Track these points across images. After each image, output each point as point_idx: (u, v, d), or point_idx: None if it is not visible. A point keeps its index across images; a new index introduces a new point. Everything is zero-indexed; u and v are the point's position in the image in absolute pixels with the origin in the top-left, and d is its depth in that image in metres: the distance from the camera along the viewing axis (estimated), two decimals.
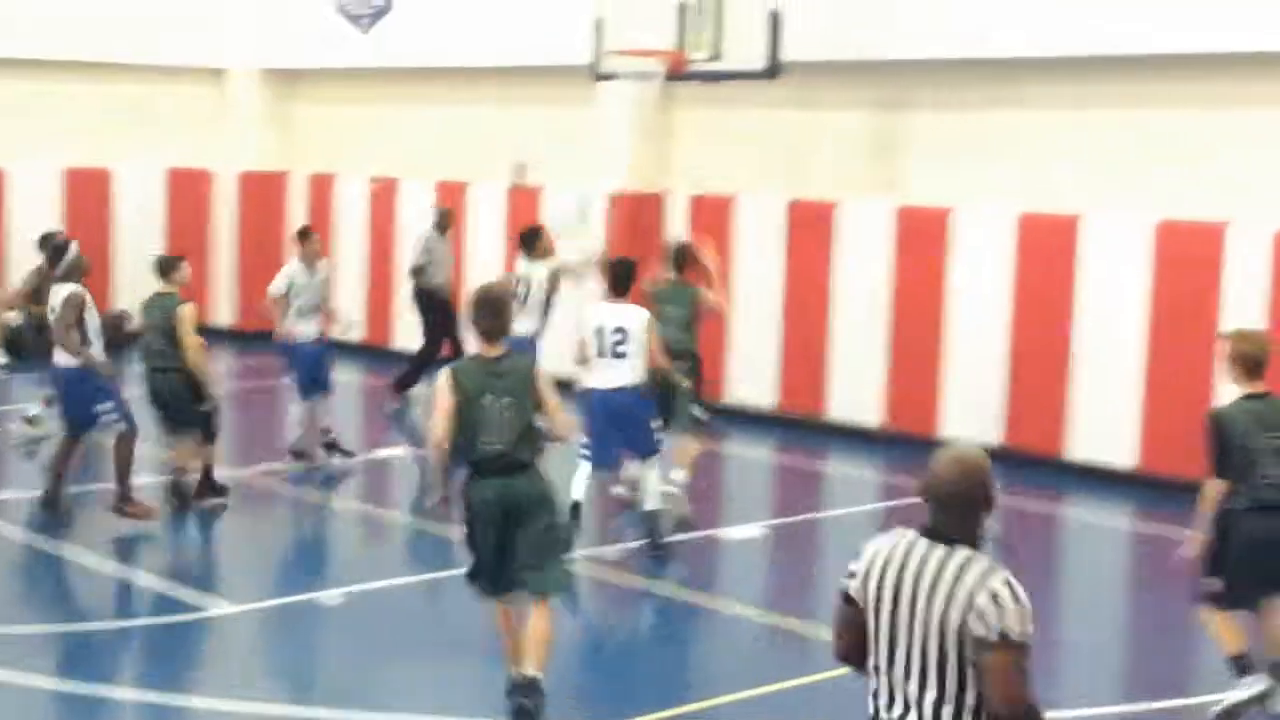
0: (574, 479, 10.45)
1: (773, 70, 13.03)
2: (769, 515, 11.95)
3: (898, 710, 4.39)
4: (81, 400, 10.77)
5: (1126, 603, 10.33)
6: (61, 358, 10.77)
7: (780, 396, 14.75)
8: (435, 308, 15.35)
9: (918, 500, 4.57)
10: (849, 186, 14.52)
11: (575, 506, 10.35)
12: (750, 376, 15.03)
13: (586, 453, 10.46)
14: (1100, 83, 12.97)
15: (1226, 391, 7.63)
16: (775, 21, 12.85)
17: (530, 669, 7.27)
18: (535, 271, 12.94)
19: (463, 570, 7.57)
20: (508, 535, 7.26)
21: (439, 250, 15.39)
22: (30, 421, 13.83)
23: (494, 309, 7.29)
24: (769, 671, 8.39)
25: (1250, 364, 7.36)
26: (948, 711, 4.32)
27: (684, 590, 9.85)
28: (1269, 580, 7.41)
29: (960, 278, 13.59)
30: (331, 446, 12.74)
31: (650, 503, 10.42)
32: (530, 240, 13.14)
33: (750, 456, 13.79)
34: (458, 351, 15.33)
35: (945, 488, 4.46)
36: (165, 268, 11.38)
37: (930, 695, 4.33)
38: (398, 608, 9.47)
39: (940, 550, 4.41)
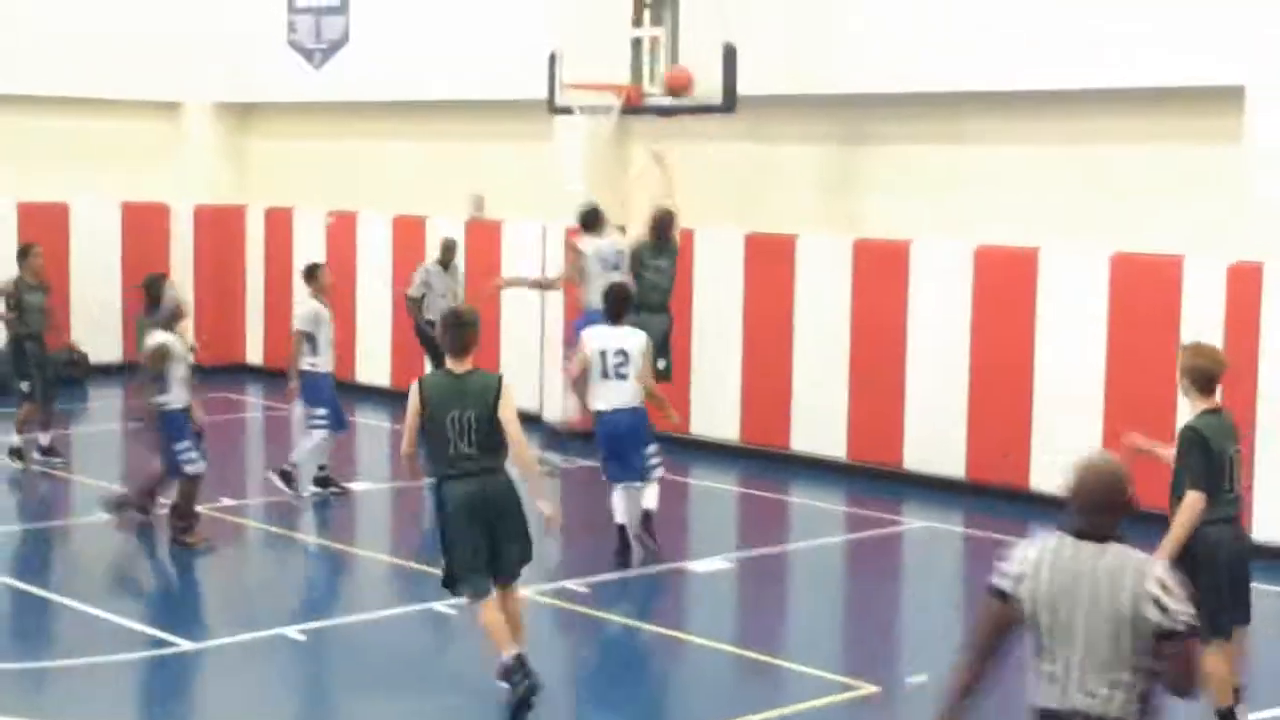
0: (613, 505, 11.00)
1: (728, 104, 13.13)
2: (734, 548, 11.99)
3: (1073, 696, 4.78)
4: (165, 440, 11.14)
5: None
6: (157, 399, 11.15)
7: (742, 429, 14.82)
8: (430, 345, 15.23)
9: (885, 531, 4.76)
10: (807, 220, 14.63)
11: (621, 530, 10.97)
12: (712, 409, 15.09)
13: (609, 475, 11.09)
14: (1055, 117, 13.15)
15: (1188, 408, 7.67)
16: (730, 55, 12.95)
17: (522, 646, 7.93)
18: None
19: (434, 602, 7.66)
20: (489, 531, 7.81)
21: (439, 283, 15.32)
22: (46, 452, 13.82)
23: (462, 329, 7.89)
24: (739, 703, 8.43)
25: (1205, 379, 7.47)
26: (1119, 695, 4.73)
27: (651, 623, 9.88)
28: (1241, 601, 7.50)
29: (919, 310, 13.71)
30: (326, 482, 12.81)
31: (649, 502, 11.01)
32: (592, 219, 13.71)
33: (714, 489, 13.85)
34: None
35: (1093, 495, 4.92)
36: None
37: (1102, 679, 4.74)
38: (363, 643, 9.45)
39: (1095, 548, 4.84)
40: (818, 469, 14.18)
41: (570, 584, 10.49)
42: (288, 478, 12.69)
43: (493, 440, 7.79)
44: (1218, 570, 7.33)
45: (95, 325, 18.81)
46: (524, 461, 7.98)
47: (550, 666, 9.27)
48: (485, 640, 8.00)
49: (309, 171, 19.14)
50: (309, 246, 18.63)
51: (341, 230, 18.29)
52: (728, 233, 15.00)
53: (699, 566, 11.08)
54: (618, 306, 10.97)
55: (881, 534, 12.27)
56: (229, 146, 19.90)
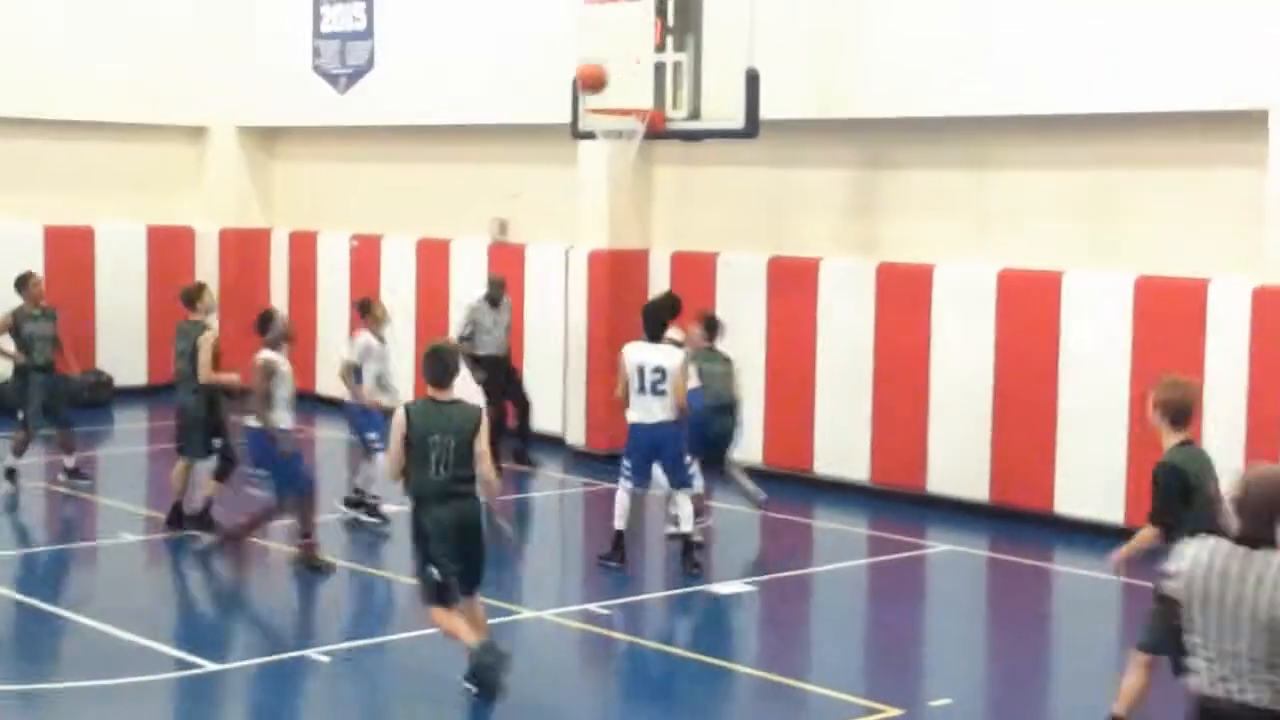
0: (615, 509, 11.30)
1: (751, 128, 13.14)
2: (757, 571, 11.98)
3: (1226, 684, 5.23)
4: (268, 460, 11.38)
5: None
6: (251, 420, 11.37)
7: (766, 452, 14.81)
8: (491, 375, 15.21)
9: (908, 554, 4.79)
10: (830, 243, 14.65)
11: (619, 536, 11.27)
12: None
13: (626, 476, 11.32)
14: (1079, 141, 13.14)
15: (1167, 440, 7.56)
16: (753, 80, 12.98)
17: (486, 635, 8.59)
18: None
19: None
20: (463, 551, 8.48)
21: (485, 319, 15.06)
22: (72, 474, 13.91)
23: (443, 362, 8.53)
24: None
25: (1179, 412, 7.46)
26: (1268, 692, 5.17)
27: (673, 645, 9.87)
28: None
29: (943, 333, 13.70)
30: (359, 505, 12.91)
31: (685, 526, 11.34)
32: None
33: (737, 512, 13.83)
34: (523, 416, 15.31)
35: (1256, 501, 5.31)
36: (189, 297, 12.27)
37: (1257, 674, 5.18)
38: (387, 665, 9.46)
39: (1250, 552, 5.23)
40: (841, 492, 14.16)
41: (592, 606, 10.50)
42: (373, 510, 12.71)
43: (468, 466, 8.39)
44: None
45: (120, 348, 18.94)
46: (492, 488, 8.64)
47: (572, 689, 9.31)
48: (450, 638, 8.55)
49: (333, 195, 19.23)
50: (333, 269, 18.73)
51: (365, 253, 18.36)
52: (751, 256, 15.02)
53: (721, 589, 11.07)
54: (655, 322, 11.41)
55: (904, 557, 12.23)
56: (254, 170, 20.01)
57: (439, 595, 8.53)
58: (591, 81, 13.18)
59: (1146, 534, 7.41)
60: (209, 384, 12.04)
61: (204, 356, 11.91)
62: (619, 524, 11.39)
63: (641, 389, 11.14)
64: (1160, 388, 7.58)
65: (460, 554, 8.47)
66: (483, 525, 8.54)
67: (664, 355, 11.20)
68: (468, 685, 8.43)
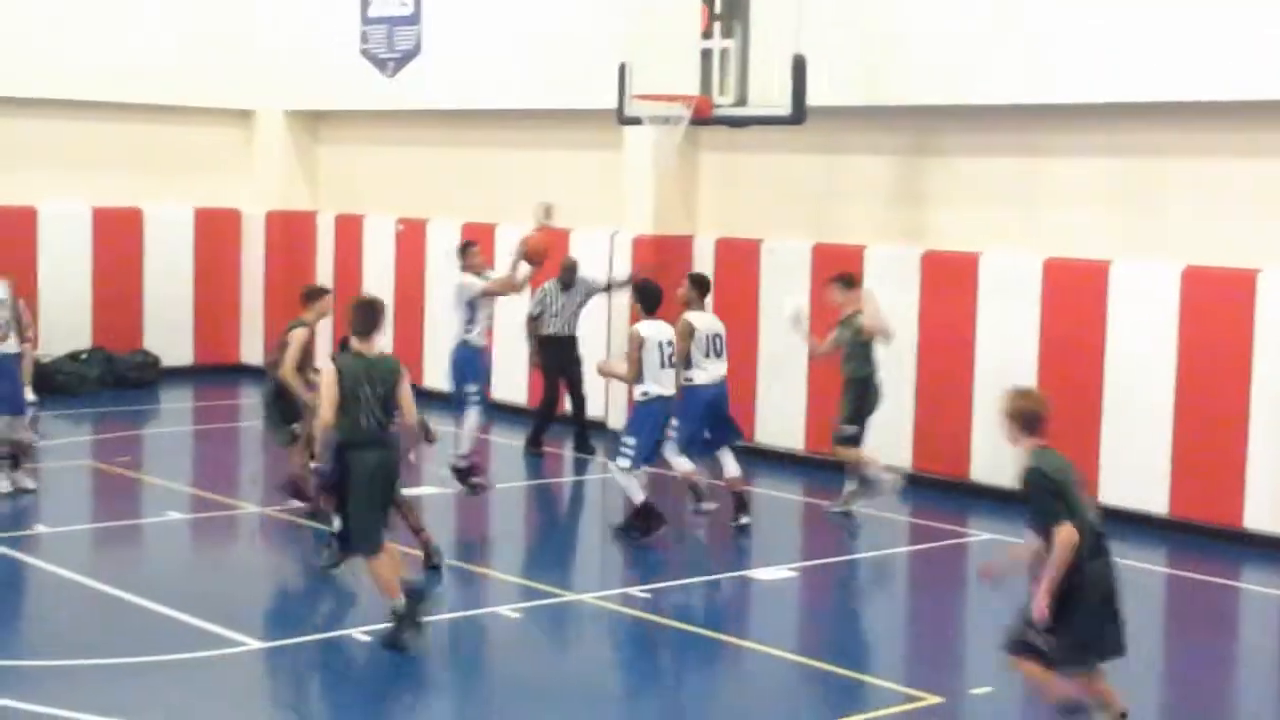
0: (633, 484, 11.66)
1: (798, 115, 13.12)
2: (798, 557, 11.98)
3: None
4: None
5: (1162, 647, 10.33)
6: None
7: (807, 438, 14.79)
8: (550, 356, 15.27)
9: (950, 542, 4.74)
10: (874, 231, 14.61)
11: (648, 507, 11.66)
12: (778, 418, 15.10)
13: (630, 456, 11.71)
14: (1127, 130, 13.06)
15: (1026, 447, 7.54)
16: (800, 67, 12.95)
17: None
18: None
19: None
20: (387, 494, 9.15)
21: (556, 302, 15.17)
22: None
23: (369, 315, 9.12)
24: (802, 712, 8.42)
25: (1032, 420, 7.47)
26: None
27: (713, 630, 9.89)
28: (1110, 638, 7.39)
29: (988, 322, 13.65)
30: (467, 474, 13.01)
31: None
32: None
33: (779, 498, 13.84)
34: (578, 403, 15.35)
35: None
36: (306, 296, 12.38)
37: None
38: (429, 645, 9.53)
39: None
40: None
41: (632, 590, 10.53)
42: (463, 475, 12.71)
43: (390, 415, 9.08)
44: (1103, 615, 7.33)
45: (167, 329, 19.10)
46: (412, 428, 9.48)
47: (611, 672, 9.34)
48: (377, 588, 9.10)
49: (380, 178, 19.31)
50: (379, 252, 18.81)
51: (411, 237, 18.43)
52: (795, 243, 14.99)
53: (762, 574, 11.08)
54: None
55: (946, 545, 12.21)
56: (301, 154, 20.11)
57: (351, 543, 9.21)
58: (536, 255, 13.13)
59: (1066, 537, 7.22)
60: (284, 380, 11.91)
61: (290, 351, 11.84)
62: (643, 496, 11.62)
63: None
64: (1010, 399, 7.58)
65: (383, 500, 9.14)
66: (398, 471, 9.30)
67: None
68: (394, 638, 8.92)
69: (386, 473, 9.14)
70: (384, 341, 9.38)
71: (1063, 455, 7.58)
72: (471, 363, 12.99)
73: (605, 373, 12.71)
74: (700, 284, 12.71)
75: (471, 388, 12.88)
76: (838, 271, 12.97)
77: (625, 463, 11.70)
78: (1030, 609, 7.31)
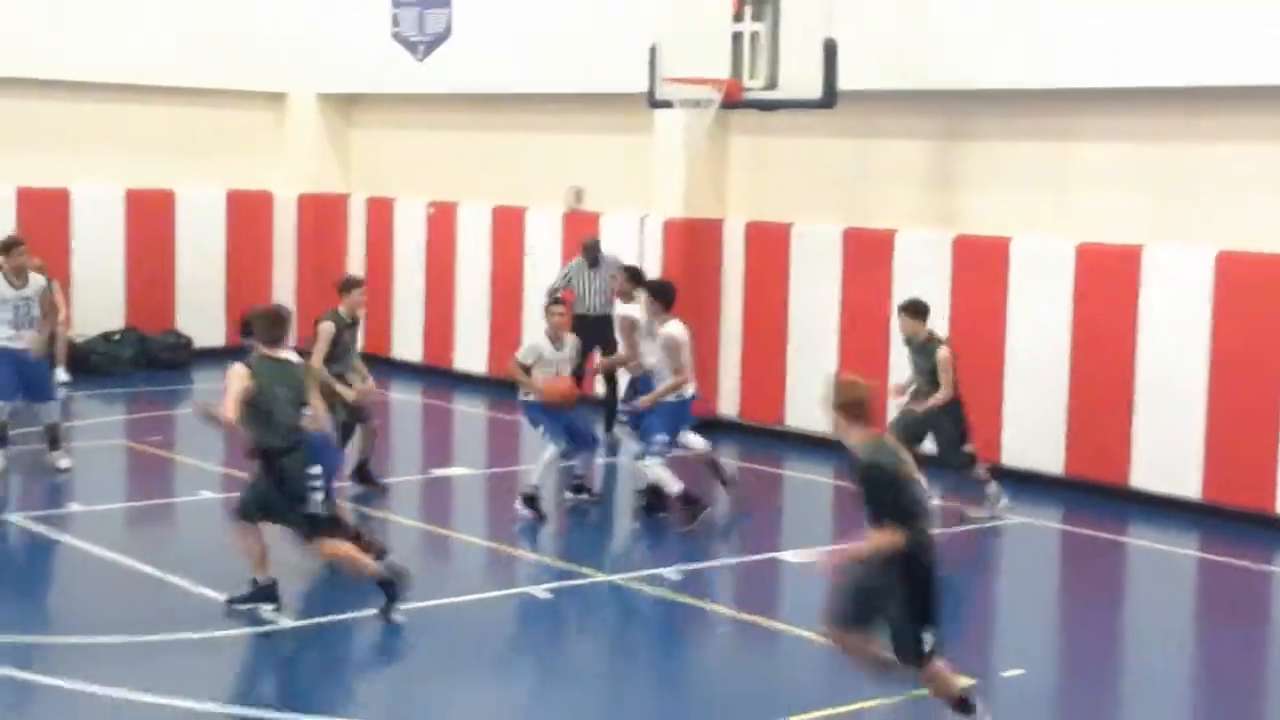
0: (665, 480, 11.66)
1: (828, 99, 13.10)
2: (830, 540, 11.97)
3: None
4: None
5: (1192, 632, 10.32)
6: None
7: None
8: (584, 334, 15.23)
9: (981, 526, 4.73)
10: (906, 215, 14.59)
11: (687, 496, 11.64)
12: (808, 401, 15.07)
13: (661, 453, 11.81)
14: (1159, 114, 13.01)
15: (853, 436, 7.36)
16: (831, 50, 12.93)
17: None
18: None
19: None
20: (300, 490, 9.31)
21: (581, 280, 15.27)
22: None
23: (276, 323, 9.42)
24: (833, 693, 8.43)
25: (858, 409, 7.27)
26: None
27: (745, 611, 9.91)
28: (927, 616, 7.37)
29: (1019, 307, 13.62)
30: (580, 489, 12.59)
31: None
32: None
33: (811, 481, 13.85)
34: (609, 383, 15.36)
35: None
36: (341, 288, 12.50)
37: None
38: (461, 625, 9.57)
39: None
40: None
41: (664, 571, 10.55)
42: (532, 501, 12.03)
43: (301, 417, 9.25)
44: (927, 588, 7.31)
45: (199, 310, 19.20)
46: (321, 423, 9.56)
47: (641, 654, 9.37)
48: (246, 559, 9.39)
49: (410, 162, 19.36)
50: (410, 235, 18.87)
51: (442, 220, 18.48)
52: (826, 228, 14.98)
53: (793, 557, 11.10)
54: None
55: (978, 529, 12.20)
56: (332, 136, 20.17)
57: (254, 517, 9.37)
58: (560, 400, 12.04)
59: (891, 538, 7.16)
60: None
61: (318, 345, 11.89)
62: (679, 485, 11.68)
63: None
64: (836, 389, 7.39)
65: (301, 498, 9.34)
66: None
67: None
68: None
69: (302, 470, 9.28)
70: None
71: (893, 443, 7.44)
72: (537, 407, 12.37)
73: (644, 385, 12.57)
74: (637, 277, 13.17)
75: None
76: (906, 299, 12.48)
77: (658, 459, 11.76)
78: (850, 582, 7.32)
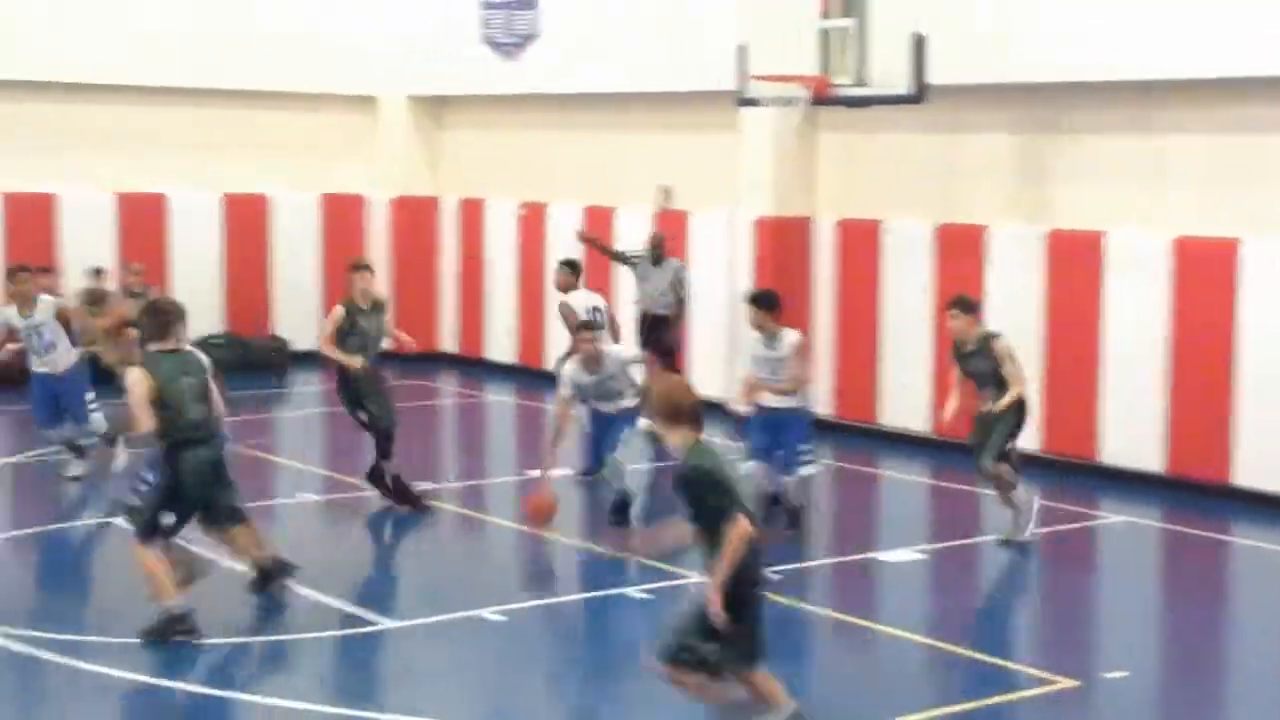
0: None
1: (918, 94, 13.04)
2: (926, 539, 11.94)
3: None
4: None
5: None
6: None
7: (931, 420, 14.72)
8: (645, 333, 15.41)
9: (1081, 525, 4.66)
10: (997, 210, 14.48)
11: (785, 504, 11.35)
12: (901, 400, 15.04)
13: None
14: (1256, 104, 12.81)
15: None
16: (920, 45, 12.87)
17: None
18: None
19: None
20: (219, 486, 9.14)
21: (647, 277, 15.36)
22: None
23: (157, 316, 9.19)
24: (933, 695, 8.42)
25: (677, 411, 6.92)
26: None
27: (841, 612, 9.90)
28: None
29: (1114, 302, 13.48)
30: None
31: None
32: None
33: (905, 480, 13.80)
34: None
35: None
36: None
37: None
38: (559, 625, 9.64)
39: None
40: None
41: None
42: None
43: (208, 407, 9.07)
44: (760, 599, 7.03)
45: (295, 314, 19.45)
46: (222, 413, 9.29)
47: None
48: (148, 581, 8.90)
49: (500, 163, 19.49)
50: (501, 237, 19.00)
51: (533, 221, 18.58)
52: (917, 224, 14.91)
53: (889, 556, 11.07)
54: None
55: (1078, 528, 12.10)
56: (423, 139, 20.35)
57: (153, 533, 8.93)
58: (540, 516, 11.31)
59: (742, 532, 6.79)
60: (325, 356, 12.26)
61: (326, 327, 12.06)
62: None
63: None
64: (656, 391, 7.09)
65: (216, 490, 9.12)
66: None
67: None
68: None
69: (216, 464, 9.11)
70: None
71: (715, 445, 7.13)
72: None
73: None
74: (573, 267, 14.08)
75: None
76: (955, 296, 11.79)
77: (812, 468, 11.65)
78: (691, 615, 6.93)
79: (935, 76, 13.00)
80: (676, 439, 6.91)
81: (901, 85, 13.05)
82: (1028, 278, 13.97)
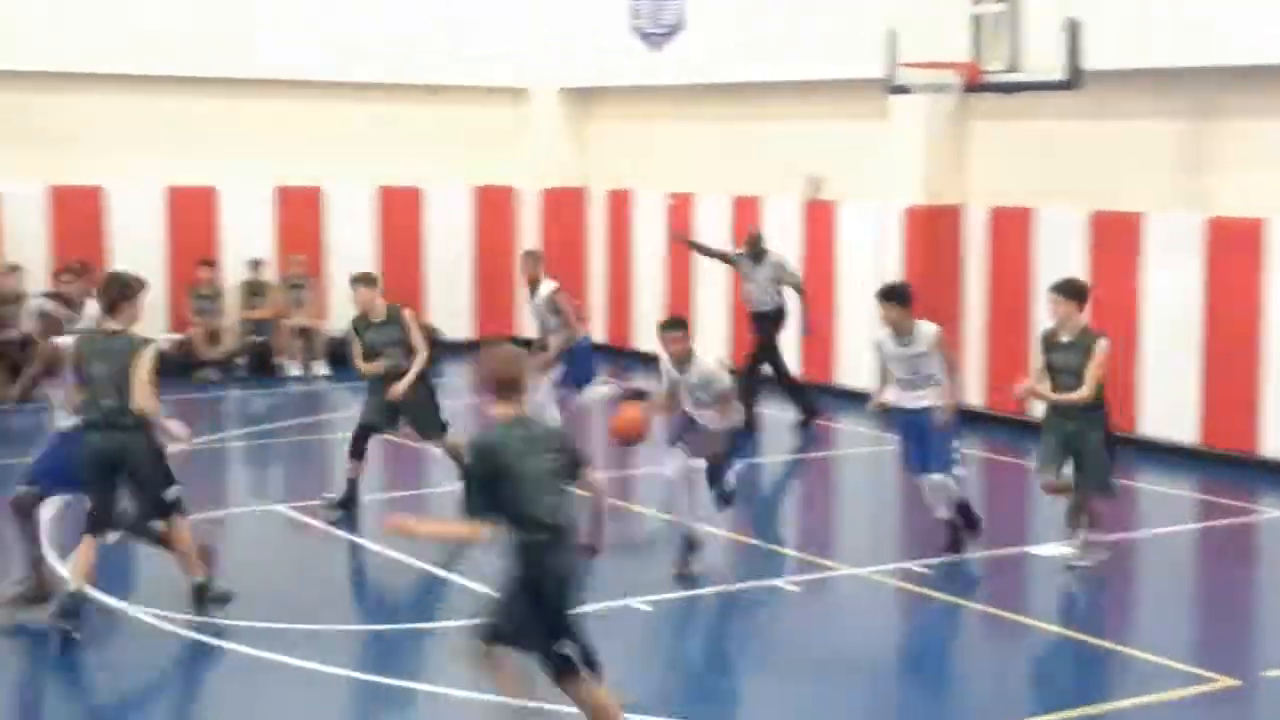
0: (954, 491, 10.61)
1: (1072, 80, 12.84)
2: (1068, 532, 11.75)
3: None
4: None
5: None
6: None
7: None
8: (754, 330, 15.46)
9: (1239, 520, 4.57)
10: (1155, 197, 14.20)
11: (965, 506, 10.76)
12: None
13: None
14: None
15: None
16: (1074, 30, 12.66)
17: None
18: None
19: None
20: (113, 482, 8.71)
21: (749, 277, 15.36)
22: None
23: (103, 292, 8.81)
24: (1088, 691, 8.32)
25: (502, 384, 6.58)
26: None
27: (994, 606, 9.82)
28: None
29: (1276, 291, 13.16)
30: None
31: None
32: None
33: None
34: (780, 374, 15.44)
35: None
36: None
37: None
38: (706, 616, 9.70)
39: None
40: (1167, 454, 13.77)
41: (911, 565, 10.51)
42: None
43: (127, 397, 8.56)
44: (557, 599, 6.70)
45: (448, 304, 19.75)
46: (146, 410, 8.62)
47: (889, 647, 9.36)
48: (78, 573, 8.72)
49: (648, 153, 19.56)
50: (649, 228, 19.08)
51: (681, 211, 18.64)
52: (1071, 212, 14.68)
53: (1043, 551, 10.94)
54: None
55: (1236, 523, 11.84)
56: (572, 131, 20.51)
57: (103, 531, 8.79)
58: (629, 434, 10.49)
59: (450, 526, 6.73)
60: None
61: (355, 348, 12.11)
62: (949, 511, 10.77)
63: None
64: (488, 363, 6.67)
65: (109, 485, 8.72)
66: (142, 455, 8.69)
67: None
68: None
69: (119, 454, 8.67)
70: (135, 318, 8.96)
71: (530, 432, 6.62)
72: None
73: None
74: (538, 259, 14.31)
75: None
76: (1061, 279, 10.64)
77: (961, 469, 10.78)
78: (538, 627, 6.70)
79: (1089, 62, 12.78)
80: (497, 412, 6.56)
81: (1055, 71, 12.86)
82: (1187, 266, 13.69)
